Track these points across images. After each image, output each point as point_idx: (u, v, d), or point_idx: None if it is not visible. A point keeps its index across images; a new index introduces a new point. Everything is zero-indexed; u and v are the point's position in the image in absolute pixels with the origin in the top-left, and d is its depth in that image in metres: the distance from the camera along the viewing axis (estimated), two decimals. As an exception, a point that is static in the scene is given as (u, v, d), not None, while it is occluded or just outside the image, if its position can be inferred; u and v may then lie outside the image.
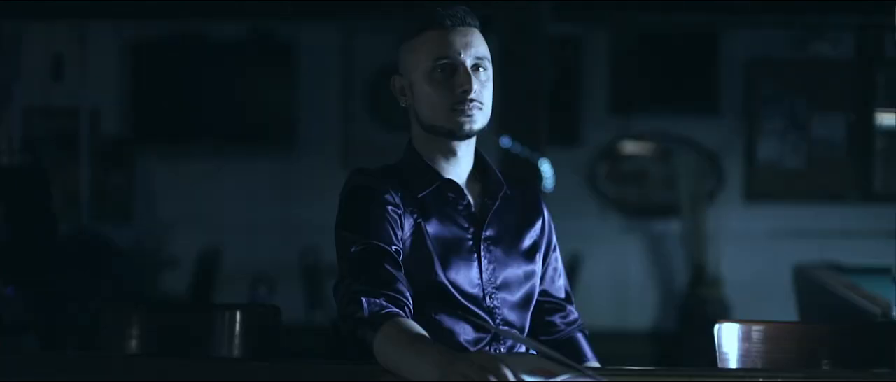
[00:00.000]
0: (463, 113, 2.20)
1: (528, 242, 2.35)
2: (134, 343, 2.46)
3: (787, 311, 6.52)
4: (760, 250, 7.79)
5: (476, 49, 2.23)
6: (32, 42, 7.39)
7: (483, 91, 2.23)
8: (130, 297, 5.90)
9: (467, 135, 2.24)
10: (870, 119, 7.95)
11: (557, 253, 2.45)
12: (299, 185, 8.01)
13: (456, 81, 2.20)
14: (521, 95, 5.63)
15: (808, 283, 5.95)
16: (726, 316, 7.50)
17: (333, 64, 8.09)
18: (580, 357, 2.35)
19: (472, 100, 2.20)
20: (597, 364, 2.35)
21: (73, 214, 7.27)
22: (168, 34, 8.02)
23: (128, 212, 7.90)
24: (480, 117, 2.23)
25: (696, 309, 7.67)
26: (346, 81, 8.09)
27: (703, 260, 7.74)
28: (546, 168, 5.47)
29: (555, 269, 2.43)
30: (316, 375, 2.09)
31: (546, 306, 2.40)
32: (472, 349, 2.19)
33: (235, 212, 7.88)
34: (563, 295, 2.44)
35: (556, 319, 2.41)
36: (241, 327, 2.47)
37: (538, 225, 2.39)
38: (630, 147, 8.22)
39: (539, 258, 2.36)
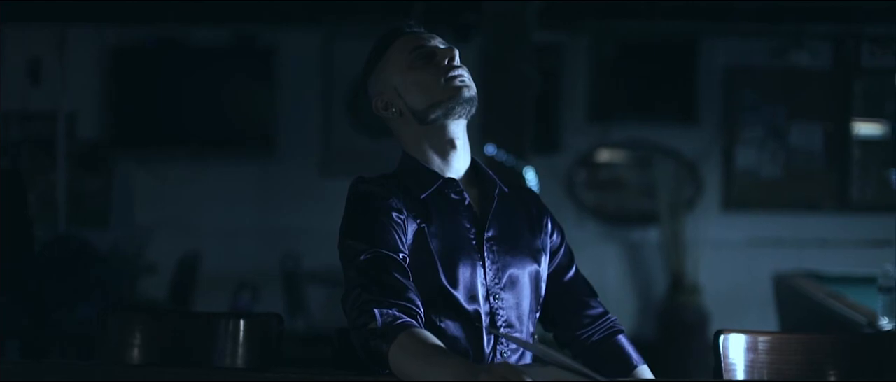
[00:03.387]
0: (456, 78, 2.24)
1: (531, 243, 2.34)
2: (135, 351, 2.44)
3: (766, 319, 6.56)
4: (738, 258, 7.83)
5: (443, 40, 2.32)
6: (10, 45, 7.33)
7: (463, 65, 2.28)
8: (113, 304, 5.85)
9: (467, 102, 2.24)
10: (847, 128, 8.02)
11: (567, 251, 2.43)
12: (279, 191, 7.99)
13: (439, 57, 2.26)
14: (506, 103, 5.63)
15: (789, 292, 5.98)
16: (705, 324, 7.60)
17: (314, 70, 8.07)
18: (628, 363, 2.33)
19: (459, 66, 2.26)
20: (647, 370, 2.33)
21: (50, 219, 7.20)
22: (148, 38, 7.97)
23: (105, 217, 7.84)
24: (472, 84, 2.27)
25: (675, 316, 7.70)
26: (327, 87, 8.07)
27: (682, 268, 7.76)
28: (531, 176, 5.46)
29: (567, 266, 2.42)
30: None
31: (568, 303, 2.39)
32: (469, 349, 2.18)
33: (215, 218, 7.85)
34: (584, 289, 2.42)
35: (584, 315, 2.38)
36: (244, 336, 2.44)
37: (542, 225, 2.39)
38: (608, 155, 8.24)
39: (544, 259, 2.35)
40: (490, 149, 5.30)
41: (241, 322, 2.45)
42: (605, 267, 7.84)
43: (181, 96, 7.97)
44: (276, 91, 8.03)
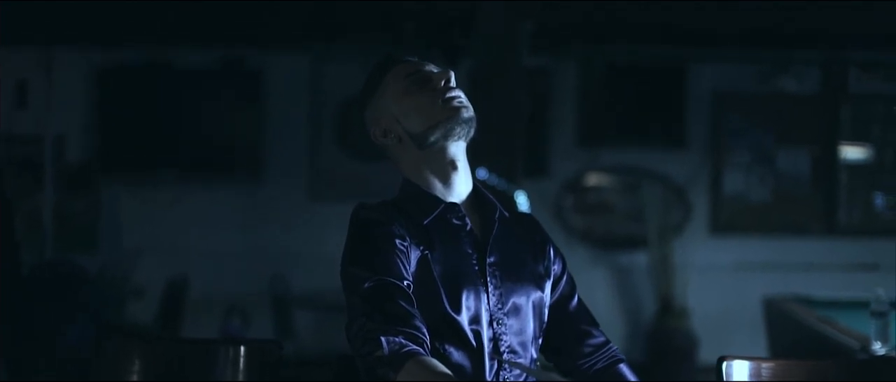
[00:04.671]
0: (454, 100, 2.24)
1: (534, 269, 2.33)
2: (133, 377, 2.41)
3: (755, 344, 6.55)
4: (727, 282, 7.84)
5: (436, 65, 2.33)
6: (-5, 67, 7.29)
7: (459, 87, 2.29)
8: (108, 329, 5.81)
9: (466, 123, 2.24)
10: (834, 153, 8.05)
11: (569, 280, 2.42)
12: (267, 214, 7.96)
13: (434, 81, 2.26)
14: (497, 127, 5.63)
15: (779, 316, 5.98)
16: (694, 348, 7.60)
17: (302, 92, 8.05)
18: None
19: (455, 88, 2.26)
20: None
21: (37, 242, 7.15)
22: (135, 61, 7.95)
23: (92, 241, 7.79)
24: (469, 105, 2.26)
25: (664, 340, 7.70)
26: (315, 110, 8.06)
27: (670, 292, 7.76)
28: (522, 200, 5.45)
29: (569, 295, 2.41)
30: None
31: (570, 332, 2.37)
32: (471, 375, 2.16)
33: (202, 241, 7.81)
34: (586, 318, 2.41)
35: (586, 344, 2.37)
36: (244, 363, 2.42)
37: (544, 252, 2.38)
38: (596, 179, 8.25)
39: (547, 286, 2.34)
40: (481, 173, 5.29)
41: (241, 348, 2.43)
42: (594, 292, 7.81)
43: (169, 119, 7.95)
44: (264, 114, 8.02)
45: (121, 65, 7.97)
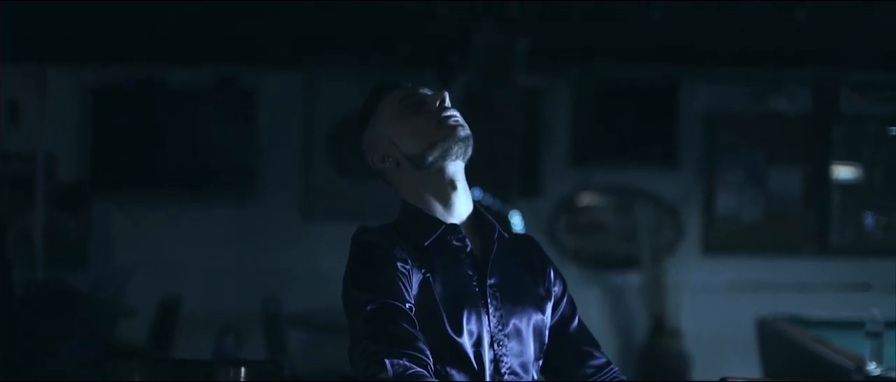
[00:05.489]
0: (450, 119, 2.25)
1: (534, 290, 2.33)
2: (132, 400, 2.41)
3: (748, 364, 6.56)
4: (719, 302, 7.84)
5: (430, 89, 2.33)
6: (-13, 85, 7.27)
7: (454, 107, 2.29)
8: (107, 350, 5.80)
9: (463, 141, 2.25)
10: (826, 173, 8.06)
11: (569, 301, 2.42)
12: (259, 234, 7.94)
13: (429, 103, 2.27)
14: (491, 147, 5.63)
15: (773, 336, 5.98)
16: (686, 369, 7.59)
17: (295, 111, 8.05)
18: None
19: (450, 108, 2.27)
20: None
21: (27, 261, 7.12)
22: (128, 79, 7.95)
23: (83, 259, 7.76)
24: (466, 124, 2.27)
25: (656, 361, 7.69)
26: (308, 129, 8.06)
27: (663, 312, 7.77)
28: (517, 220, 5.46)
29: (570, 317, 2.41)
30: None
31: (571, 353, 2.38)
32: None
33: (195, 261, 7.79)
34: (587, 340, 2.41)
35: (587, 365, 2.38)
36: (244, 385, 2.42)
37: (544, 274, 2.38)
38: (589, 198, 8.25)
39: (548, 307, 2.34)
40: (476, 193, 5.29)
41: (241, 369, 2.43)
42: (587, 312, 7.68)
43: (162, 138, 7.95)
44: (257, 133, 8.02)
45: (114, 84, 7.96)
